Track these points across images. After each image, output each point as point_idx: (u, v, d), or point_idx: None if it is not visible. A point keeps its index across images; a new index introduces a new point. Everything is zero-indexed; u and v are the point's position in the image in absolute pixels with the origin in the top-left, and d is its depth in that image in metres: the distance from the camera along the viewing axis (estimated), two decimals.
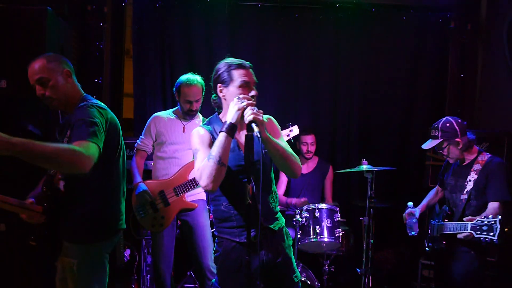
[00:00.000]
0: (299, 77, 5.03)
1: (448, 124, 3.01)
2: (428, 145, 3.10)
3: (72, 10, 4.00)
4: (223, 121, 2.24)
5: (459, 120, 3.04)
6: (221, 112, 2.42)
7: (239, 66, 2.32)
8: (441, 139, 3.00)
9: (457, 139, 2.98)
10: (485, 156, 3.02)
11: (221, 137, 2.14)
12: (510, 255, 3.86)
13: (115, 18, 4.84)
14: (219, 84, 2.34)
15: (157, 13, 4.89)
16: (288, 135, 3.59)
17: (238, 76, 2.29)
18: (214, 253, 2.43)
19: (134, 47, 4.90)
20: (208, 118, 2.45)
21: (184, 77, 3.50)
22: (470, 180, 3.02)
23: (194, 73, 3.58)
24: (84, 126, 2.23)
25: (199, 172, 2.16)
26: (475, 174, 3.00)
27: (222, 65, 2.36)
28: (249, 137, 2.11)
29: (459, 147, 3.01)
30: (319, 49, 5.04)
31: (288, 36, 5.01)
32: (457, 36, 4.88)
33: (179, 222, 3.63)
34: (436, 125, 3.06)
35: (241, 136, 2.31)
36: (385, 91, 5.07)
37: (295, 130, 3.63)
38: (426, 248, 3.23)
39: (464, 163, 3.10)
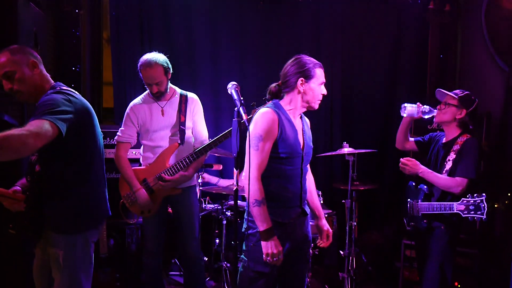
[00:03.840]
0: (280, 63, 4.94)
1: (473, 98, 3.11)
2: (445, 91, 3.16)
3: None
4: (287, 109, 2.51)
5: (477, 106, 3.14)
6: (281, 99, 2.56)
7: (321, 66, 2.55)
8: (457, 98, 3.08)
9: (463, 110, 3.07)
10: (464, 138, 3.09)
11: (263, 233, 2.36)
12: (494, 233, 3.93)
13: (92, 5, 4.75)
14: (301, 78, 2.48)
15: None
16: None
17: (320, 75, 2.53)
18: (246, 230, 2.48)
19: (112, 34, 4.83)
20: (272, 103, 2.53)
21: (142, 59, 3.32)
22: (449, 160, 3.08)
23: (168, 55, 3.41)
24: (42, 107, 2.20)
25: (248, 185, 2.33)
26: (454, 154, 3.06)
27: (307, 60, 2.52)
28: (241, 123, 2.14)
29: (456, 116, 3.09)
30: (300, 34, 5.02)
31: (269, 22, 4.98)
32: (437, 17, 4.88)
33: (169, 206, 3.61)
34: (464, 91, 3.14)
35: (298, 123, 2.56)
36: (366, 74, 5.08)
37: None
38: (408, 228, 3.27)
39: (445, 140, 3.16)
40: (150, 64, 3.25)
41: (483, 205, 2.81)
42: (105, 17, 4.93)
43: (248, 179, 2.32)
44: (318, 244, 2.79)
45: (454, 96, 3.10)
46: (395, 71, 5.10)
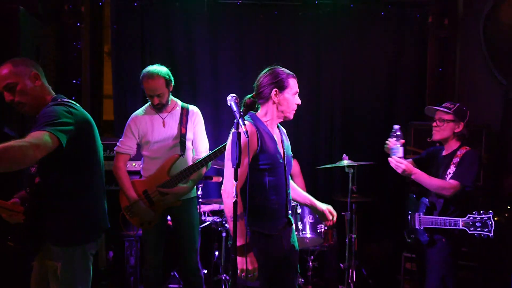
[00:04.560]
0: None
1: (464, 108, 3.13)
2: (438, 107, 3.17)
3: (48, 9, 3.93)
4: (263, 121, 2.52)
5: (469, 116, 3.17)
6: (257, 111, 2.58)
7: (294, 77, 2.58)
8: (452, 112, 3.08)
9: (461, 123, 3.09)
10: (463, 150, 3.09)
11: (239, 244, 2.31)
12: (494, 246, 3.91)
13: (93, 18, 4.79)
14: (275, 89, 2.49)
15: (135, 12, 4.85)
16: None
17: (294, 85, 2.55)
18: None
19: (112, 47, 4.85)
20: (249, 116, 2.54)
21: (144, 70, 3.37)
22: (450, 173, 3.08)
23: (169, 67, 3.45)
24: (43, 119, 2.20)
25: (228, 198, 2.31)
26: (454, 167, 3.06)
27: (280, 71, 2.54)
28: (238, 135, 2.14)
29: (455, 130, 3.10)
30: (299, 46, 5.05)
31: (268, 34, 5.01)
32: (435, 31, 4.93)
33: (169, 218, 3.60)
34: (454, 103, 3.16)
35: (276, 134, 2.59)
36: (365, 86, 5.10)
37: None
38: (408, 240, 3.26)
39: (445, 153, 3.16)
40: (152, 75, 3.28)
41: (490, 222, 2.78)
42: (106, 30, 4.96)
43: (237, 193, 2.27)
44: (327, 224, 2.76)
45: (448, 111, 3.09)
46: (394, 83, 5.12)
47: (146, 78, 3.30)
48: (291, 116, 2.58)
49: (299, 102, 2.58)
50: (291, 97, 2.53)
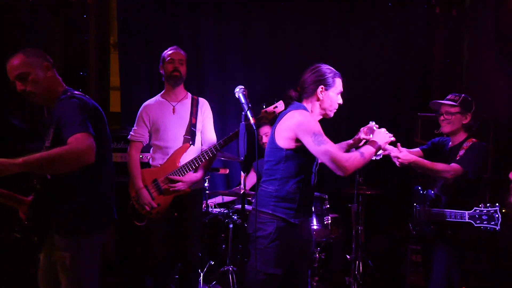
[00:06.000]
0: (286, 65, 5.03)
1: (470, 99, 3.12)
2: (443, 101, 3.15)
3: (54, 1, 3.93)
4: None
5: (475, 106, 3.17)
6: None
7: (340, 76, 2.63)
8: (458, 105, 3.07)
9: (468, 114, 3.08)
10: (469, 142, 3.08)
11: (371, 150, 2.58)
12: (501, 239, 3.91)
13: (100, 10, 4.78)
14: (321, 86, 2.55)
15: (142, 4, 4.85)
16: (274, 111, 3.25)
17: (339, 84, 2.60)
18: (255, 232, 2.47)
19: (119, 38, 4.86)
20: (300, 106, 2.59)
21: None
22: None
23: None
24: (70, 120, 2.24)
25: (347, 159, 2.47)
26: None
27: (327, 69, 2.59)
28: (249, 126, 2.15)
29: (463, 122, 3.09)
30: (306, 36, 5.03)
31: (274, 24, 4.99)
32: (443, 22, 4.89)
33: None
34: (458, 94, 3.15)
35: None
36: (372, 77, 5.08)
37: (280, 106, 3.22)
38: (413, 232, 3.26)
39: (452, 145, 3.15)
40: (177, 48, 3.51)
41: (497, 215, 2.77)
42: (112, 22, 4.96)
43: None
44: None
45: (454, 103, 3.08)
46: (402, 75, 5.09)
47: (171, 49, 3.49)
48: (331, 115, 2.65)
49: (341, 102, 2.63)
50: (335, 96, 2.59)
